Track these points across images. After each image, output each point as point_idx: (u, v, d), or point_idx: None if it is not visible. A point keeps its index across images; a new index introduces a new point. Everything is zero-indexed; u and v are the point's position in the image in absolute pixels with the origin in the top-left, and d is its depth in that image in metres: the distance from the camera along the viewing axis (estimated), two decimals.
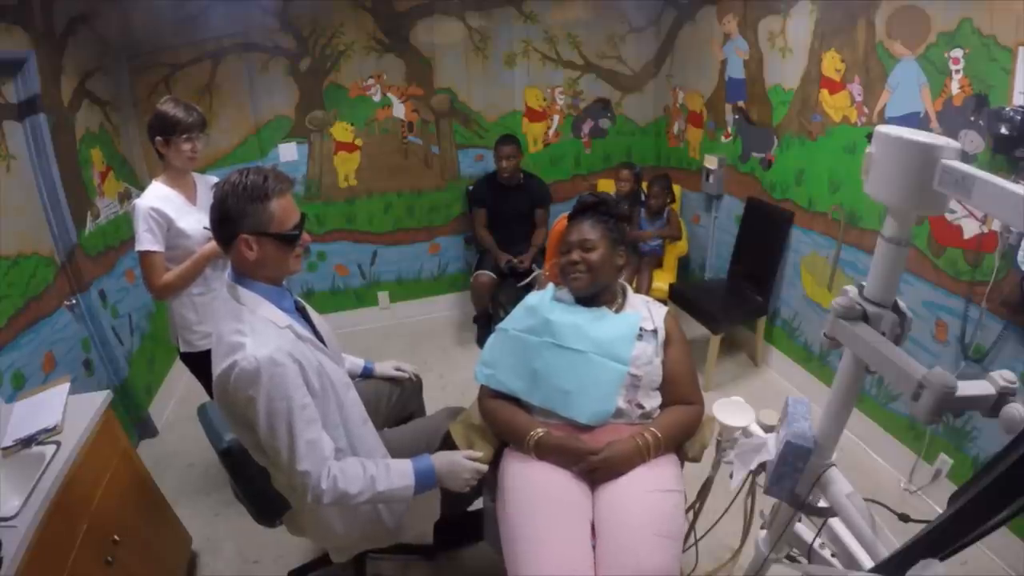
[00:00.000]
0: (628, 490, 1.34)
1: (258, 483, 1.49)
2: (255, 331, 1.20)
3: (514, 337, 1.56)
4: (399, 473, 1.34)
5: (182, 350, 1.99)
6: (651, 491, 1.34)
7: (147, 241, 1.79)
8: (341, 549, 1.56)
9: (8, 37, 2.11)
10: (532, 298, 1.63)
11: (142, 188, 1.91)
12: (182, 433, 2.73)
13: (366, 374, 1.79)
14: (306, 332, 1.33)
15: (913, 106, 2.04)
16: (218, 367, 1.20)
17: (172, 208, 1.83)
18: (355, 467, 1.29)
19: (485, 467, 1.44)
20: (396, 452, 1.50)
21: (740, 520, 1.62)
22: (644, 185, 3.43)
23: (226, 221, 1.21)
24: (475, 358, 1.65)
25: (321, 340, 1.40)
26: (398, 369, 1.83)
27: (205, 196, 1.90)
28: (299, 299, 1.43)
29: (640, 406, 1.48)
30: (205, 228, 1.80)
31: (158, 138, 1.81)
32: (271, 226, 1.21)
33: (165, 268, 1.84)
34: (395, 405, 1.82)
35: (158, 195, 1.84)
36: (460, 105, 3.49)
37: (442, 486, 1.40)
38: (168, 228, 1.82)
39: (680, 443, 1.50)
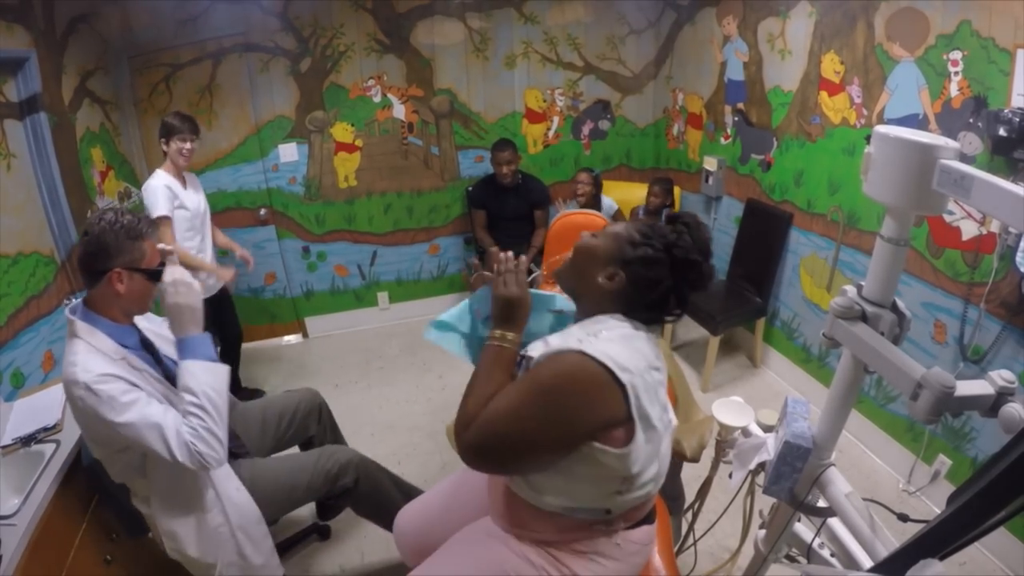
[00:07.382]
0: None
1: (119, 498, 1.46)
2: (86, 358, 1.22)
3: None
4: (204, 372, 1.29)
5: None
6: None
7: (162, 208, 2.31)
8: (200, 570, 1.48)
9: (9, 36, 2.11)
10: None
11: (142, 187, 2.25)
12: None
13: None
14: (145, 365, 1.32)
15: (912, 108, 2.05)
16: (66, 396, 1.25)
17: (176, 187, 2.43)
18: (193, 414, 1.25)
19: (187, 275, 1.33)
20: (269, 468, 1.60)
21: (739, 520, 1.63)
22: (649, 191, 3.36)
23: (101, 255, 1.25)
24: None
25: (169, 378, 1.36)
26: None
27: (192, 185, 2.55)
28: (149, 337, 1.42)
29: None
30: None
31: (162, 140, 2.38)
32: (143, 263, 1.30)
33: (172, 235, 2.34)
34: (291, 428, 1.81)
35: (166, 177, 2.40)
36: (460, 106, 3.50)
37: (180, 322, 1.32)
38: (175, 199, 2.39)
39: None
